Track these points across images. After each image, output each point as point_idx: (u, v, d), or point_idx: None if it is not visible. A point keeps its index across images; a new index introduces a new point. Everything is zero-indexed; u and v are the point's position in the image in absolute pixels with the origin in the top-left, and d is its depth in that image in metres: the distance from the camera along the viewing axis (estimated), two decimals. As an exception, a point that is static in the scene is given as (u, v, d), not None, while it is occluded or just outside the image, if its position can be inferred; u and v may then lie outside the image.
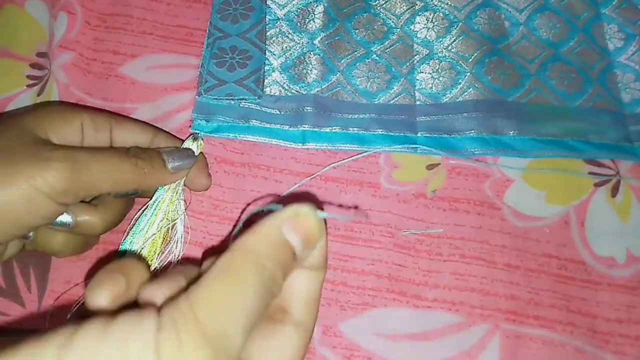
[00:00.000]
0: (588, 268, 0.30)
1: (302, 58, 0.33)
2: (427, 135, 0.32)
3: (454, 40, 0.34)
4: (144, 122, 0.30)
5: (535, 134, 0.31)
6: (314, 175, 0.31)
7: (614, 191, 0.31)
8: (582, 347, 0.28)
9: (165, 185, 0.28)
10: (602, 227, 0.31)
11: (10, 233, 0.23)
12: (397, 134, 0.32)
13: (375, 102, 0.32)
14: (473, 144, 0.32)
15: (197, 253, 0.29)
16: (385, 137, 0.32)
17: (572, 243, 0.30)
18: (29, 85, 0.33)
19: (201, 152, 0.30)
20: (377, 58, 0.33)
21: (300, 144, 0.31)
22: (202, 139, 0.30)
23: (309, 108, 0.32)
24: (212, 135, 0.31)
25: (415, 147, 0.31)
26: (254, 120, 0.32)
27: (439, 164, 0.32)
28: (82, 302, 0.27)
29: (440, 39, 0.34)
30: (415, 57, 0.34)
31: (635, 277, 0.30)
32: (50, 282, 0.29)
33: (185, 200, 0.29)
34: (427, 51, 0.34)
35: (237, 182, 0.31)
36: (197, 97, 0.32)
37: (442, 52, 0.34)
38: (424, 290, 0.29)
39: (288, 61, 0.33)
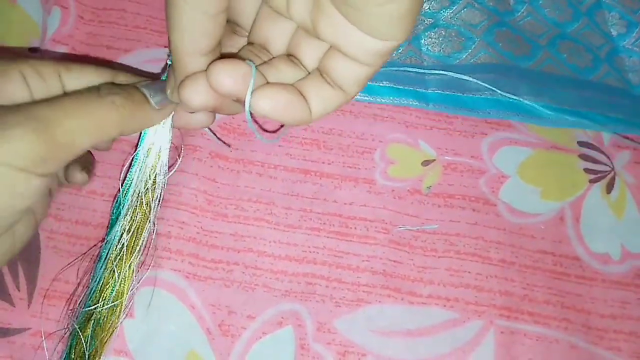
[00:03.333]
0: (583, 264, 0.30)
1: None
2: (439, 91, 0.31)
3: (459, 11, 0.33)
4: (98, 65, 0.25)
5: (552, 101, 0.31)
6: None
7: (609, 187, 0.31)
8: (577, 342, 0.28)
9: (151, 125, 0.25)
10: (597, 223, 0.31)
11: None
12: (406, 87, 0.31)
13: None
14: (488, 104, 0.31)
15: (190, 249, 0.29)
16: (393, 90, 0.31)
17: (567, 239, 0.30)
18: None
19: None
20: None
21: None
22: None
23: None
24: None
25: (427, 104, 0.30)
26: None
27: (435, 160, 0.32)
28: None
29: (445, 10, 0.33)
30: (419, 27, 0.33)
31: (630, 273, 0.30)
32: (39, 279, 0.29)
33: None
34: (431, 20, 0.33)
35: (232, 177, 0.31)
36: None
37: (448, 20, 0.33)
38: (418, 286, 0.29)
39: None
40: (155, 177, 0.27)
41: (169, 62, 0.24)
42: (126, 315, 0.27)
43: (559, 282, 0.29)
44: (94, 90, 0.22)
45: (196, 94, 0.21)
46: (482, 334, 0.28)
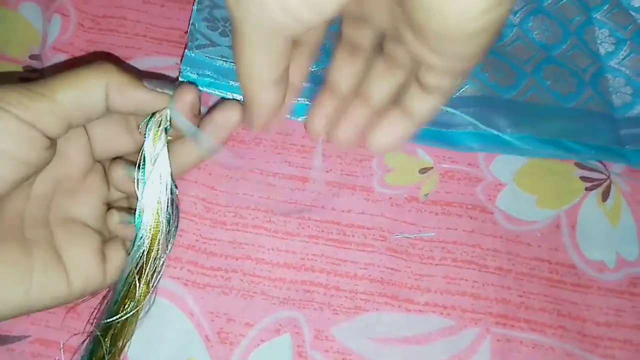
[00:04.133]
0: (579, 272, 0.30)
1: None
2: (427, 127, 0.31)
3: None
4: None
5: (533, 132, 0.31)
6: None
7: (605, 195, 0.32)
8: (572, 350, 0.28)
9: (141, 103, 0.25)
10: (593, 231, 0.31)
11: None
12: None
13: None
14: (472, 140, 0.32)
15: (189, 256, 0.29)
16: None
17: (563, 247, 0.31)
18: (21, 79, 0.33)
19: (194, 84, 0.27)
20: None
21: (300, 117, 0.31)
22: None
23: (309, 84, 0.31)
24: (204, 90, 0.30)
25: (414, 143, 0.31)
26: None
27: (432, 167, 0.32)
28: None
29: None
30: None
31: (625, 281, 0.30)
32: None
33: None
34: None
35: (231, 185, 0.31)
36: (186, 51, 0.31)
37: None
38: (415, 294, 0.29)
39: None
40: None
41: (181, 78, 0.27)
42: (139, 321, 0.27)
43: (554, 290, 0.30)
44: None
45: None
46: (478, 341, 0.28)
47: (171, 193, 0.27)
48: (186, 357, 0.27)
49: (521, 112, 0.32)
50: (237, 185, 0.31)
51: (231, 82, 0.31)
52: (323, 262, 0.30)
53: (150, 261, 0.26)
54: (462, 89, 0.33)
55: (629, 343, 0.28)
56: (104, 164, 0.28)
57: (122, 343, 0.26)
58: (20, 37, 0.34)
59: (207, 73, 0.31)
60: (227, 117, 0.27)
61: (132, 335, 0.27)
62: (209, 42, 0.31)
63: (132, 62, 0.34)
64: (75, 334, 0.27)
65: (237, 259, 0.29)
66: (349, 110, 0.26)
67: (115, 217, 0.26)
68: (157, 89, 0.25)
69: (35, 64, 0.34)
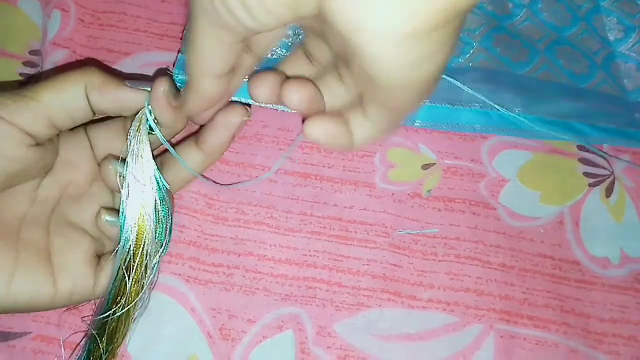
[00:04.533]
0: (582, 268, 0.30)
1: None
2: (431, 104, 0.31)
3: None
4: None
5: (542, 113, 0.31)
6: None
7: (609, 191, 0.32)
8: (576, 347, 0.28)
9: (124, 103, 0.26)
10: (597, 227, 0.31)
11: None
12: None
13: None
14: (477, 119, 0.31)
15: (191, 253, 0.29)
16: None
17: (566, 243, 0.30)
18: (21, 83, 0.33)
19: (170, 76, 0.27)
20: None
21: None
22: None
23: None
24: None
25: (413, 120, 0.31)
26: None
27: (435, 163, 0.32)
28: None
29: None
30: None
31: (629, 277, 0.30)
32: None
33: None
34: None
35: (232, 181, 0.31)
36: (180, 55, 0.30)
37: None
38: (418, 290, 0.29)
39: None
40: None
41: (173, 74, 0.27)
42: (138, 318, 0.27)
43: (558, 286, 0.29)
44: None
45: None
46: (481, 338, 0.28)
47: (160, 189, 0.26)
48: (188, 353, 0.27)
49: (533, 89, 0.31)
50: (238, 181, 0.31)
51: None
52: (325, 258, 0.29)
53: (138, 257, 0.26)
54: (474, 60, 0.32)
55: (633, 339, 0.28)
56: None
57: (118, 340, 0.26)
58: (20, 33, 0.34)
59: None
60: (230, 118, 0.27)
61: (127, 332, 0.27)
62: None
63: (132, 58, 0.33)
64: (76, 332, 0.27)
65: (239, 255, 0.29)
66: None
67: (103, 216, 0.26)
68: (138, 87, 0.26)
69: (35, 59, 0.34)
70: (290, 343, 0.28)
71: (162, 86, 0.25)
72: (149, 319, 0.27)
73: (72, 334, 0.27)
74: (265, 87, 0.24)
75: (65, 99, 0.25)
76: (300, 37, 0.26)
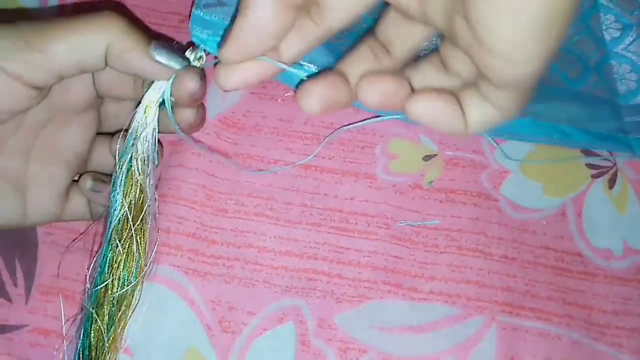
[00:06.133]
0: (585, 260, 0.30)
1: None
2: None
3: None
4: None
5: (535, 116, 0.31)
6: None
7: (611, 183, 0.31)
8: (579, 339, 0.28)
9: (144, 75, 0.24)
10: (599, 219, 0.31)
11: None
12: None
13: None
14: None
15: (190, 244, 0.29)
16: None
17: (569, 235, 0.30)
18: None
19: (200, 68, 0.25)
20: None
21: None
22: (204, 53, 0.26)
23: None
24: (216, 52, 0.27)
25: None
26: None
27: (436, 155, 0.31)
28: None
29: None
30: None
31: (632, 269, 0.30)
32: (37, 275, 0.28)
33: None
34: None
35: (231, 172, 0.30)
36: (194, 9, 0.29)
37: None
38: (420, 282, 0.29)
39: None
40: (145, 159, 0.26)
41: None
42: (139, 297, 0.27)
43: (560, 278, 0.29)
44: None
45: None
46: (483, 330, 0.28)
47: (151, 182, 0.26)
48: (187, 346, 0.27)
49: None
50: (238, 172, 0.30)
51: None
52: (326, 250, 0.29)
53: (126, 232, 0.26)
54: None
55: (636, 331, 0.28)
56: (104, 100, 0.28)
57: (121, 320, 0.26)
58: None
59: (218, 32, 0.28)
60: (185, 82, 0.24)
61: (128, 312, 0.26)
62: (216, 2, 0.29)
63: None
64: (73, 320, 0.27)
65: (238, 247, 0.29)
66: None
67: (88, 183, 0.26)
68: (163, 62, 0.24)
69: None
70: (290, 335, 0.27)
71: (190, 83, 0.24)
72: (148, 311, 0.27)
73: (71, 325, 0.27)
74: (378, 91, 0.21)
75: (81, 56, 0.22)
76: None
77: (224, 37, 0.28)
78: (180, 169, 0.30)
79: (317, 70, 0.29)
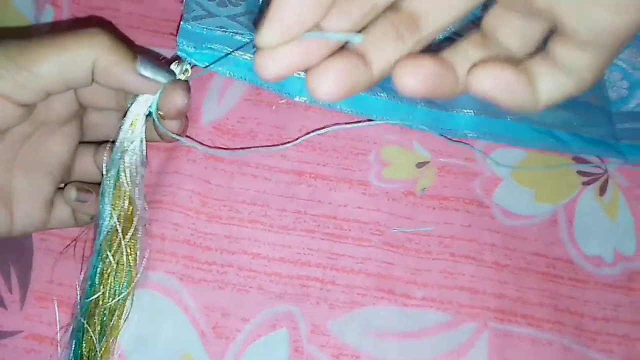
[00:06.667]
0: (576, 267, 0.30)
1: None
2: (426, 108, 0.31)
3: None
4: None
5: (530, 122, 0.31)
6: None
7: (602, 190, 0.32)
8: (570, 345, 0.28)
9: (130, 89, 0.24)
10: (591, 225, 0.31)
11: None
12: (399, 102, 0.31)
13: None
14: (469, 125, 0.31)
15: (184, 251, 0.29)
16: (387, 104, 0.31)
17: (560, 241, 0.30)
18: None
19: (184, 80, 0.26)
20: None
21: (295, 95, 0.30)
22: (189, 66, 0.26)
23: None
24: (198, 64, 0.28)
25: (413, 122, 0.31)
26: (249, 56, 0.29)
27: (429, 162, 0.32)
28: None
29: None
30: None
31: (623, 276, 0.30)
32: (32, 281, 0.28)
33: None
34: None
35: (226, 179, 0.31)
36: (182, 23, 0.29)
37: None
38: (412, 288, 0.29)
39: None
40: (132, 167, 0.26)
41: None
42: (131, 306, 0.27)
43: (552, 285, 0.29)
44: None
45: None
46: (475, 336, 0.28)
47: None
48: (182, 352, 0.27)
49: None
50: (232, 179, 0.31)
51: (233, 53, 0.29)
52: (319, 256, 0.29)
53: (116, 244, 0.26)
54: None
55: (627, 338, 0.28)
56: (87, 110, 0.28)
57: (113, 330, 0.26)
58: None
59: (205, 46, 0.29)
60: (173, 97, 0.25)
61: (120, 320, 0.27)
62: (206, 13, 0.29)
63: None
64: (67, 327, 0.27)
65: (232, 254, 0.29)
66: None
67: (72, 194, 0.26)
68: (149, 76, 0.24)
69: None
70: (284, 341, 0.28)
71: (177, 99, 0.24)
72: (142, 318, 0.27)
73: (65, 332, 0.27)
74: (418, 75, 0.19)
75: (68, 73, 0.23)
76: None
77: (212, 48, 0.28)
78: (175, 175, 0.30)
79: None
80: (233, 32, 0.30)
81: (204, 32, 0.29)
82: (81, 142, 0.28)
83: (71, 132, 0.27)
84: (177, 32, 0.33)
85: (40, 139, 0.26)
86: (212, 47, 0.29)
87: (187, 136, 0.30)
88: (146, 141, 0.27)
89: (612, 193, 0.32)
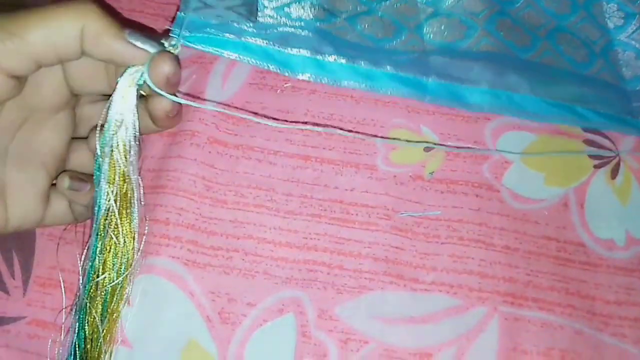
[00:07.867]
0: (587, 250, 0.29)
1: (299, 4, 0.31)
2: (438, 81, 0.30)
3: (461, 0, 0.33)
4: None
5: (546, 95, 0.31)
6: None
7: (614, 173, 0.31)
8: (581, 329, 0.28)
9: (119, 58, 0.24)
10: (602, 209, 0.30)
11: None
12: (408, 74, 0.30)
13: (385, 48, 0.31)
14: (483, 98, 0.31)
15: (189, 236, 0.28)
16: (395, 77, 0.30)
17: (571, 225, 0.30)
18: None
19: (174, 54, 0.26)
20: (381, 14, 0.32)
21: (298, 72, 0.29)
22: (180, 44, 0.26)
23: (309, 33, 0.29)
24: (196, 46, 0.28)
25: (424, 95, 0.30)
26: (249, 38, 0.29)
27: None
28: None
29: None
30: (421, 16, 0.33)
31: (635, 259, 0.29)
32: (35, 267, 0.28)
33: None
34: (432, 9, 0.33)
35: (231, 163, 0.30)
36: (179, 13, 0.28)
37: (450, 9, 0.33)
38: (421, 273, 0.29)
39: (283, 5, 0.31)
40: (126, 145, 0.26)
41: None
42: (129, 295, 0.27)
43: (563, 269, 0.29)
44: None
45: None
46: (485, 320, 0.28)
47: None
48: (187, 337, 0.27)
49: (537, 72, 0.31)
50: (237, 163, 0.30)
51: (226, 35, 0.29)
52: (326, 241, 0.29)
53: (114, 222, 0.25)
54: (479, 44, 0.32)
55: (639, 321, 0.28)
56: (79, 101, 0.27)
57: (115, 311, 0.26)
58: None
59: (203, 30, 0.28)
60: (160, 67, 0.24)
61: (124, 301, 0.26)
62: (203, 5, 0.29)
63: (128, 38, 0.33)
64: (70, 311, 0.27)
65: (238, 238, 0.29)
66: None
67: (65, 182, 0.26)
68: (138, 44, 0.24)
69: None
70: (291, 326, 0.27)
71: (164, 66, 0.24)
72: (147, 303, 0.27)
73: (67, 316, 0.27)
74: None
75: (57, 40, 0.22)
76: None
77: (207, 32, 0.28)
78: (179, 160, 0.30)
79: (309, 56, 0.29)
80: (230, 21, 0.29)
81: (199, 20, 0.28)
82: (75, 138, 0.27)
83: (64, 122, 0.26)
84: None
85: (32, 129, 0.25)
86: (208, 30, 0.28)
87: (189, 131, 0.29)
88: (142, 132, 0.26)
89: (624, 176, 0.31)
